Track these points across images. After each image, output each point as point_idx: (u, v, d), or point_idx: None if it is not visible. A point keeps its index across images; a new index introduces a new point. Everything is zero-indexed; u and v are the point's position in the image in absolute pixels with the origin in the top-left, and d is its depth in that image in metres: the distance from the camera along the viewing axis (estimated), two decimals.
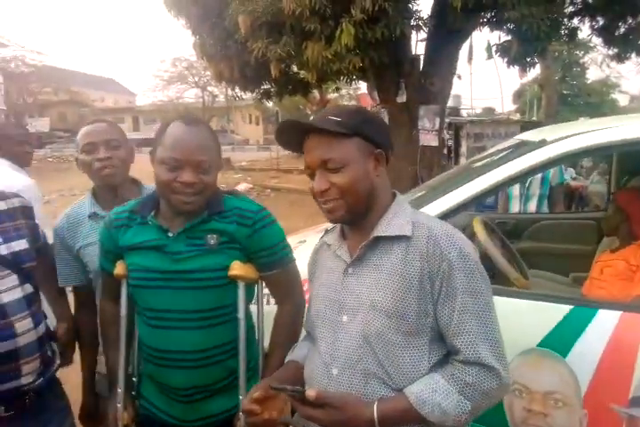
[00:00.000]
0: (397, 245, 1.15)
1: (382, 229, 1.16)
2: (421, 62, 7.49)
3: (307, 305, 1.36)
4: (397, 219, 1.17)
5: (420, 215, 1.22)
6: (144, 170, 1.87)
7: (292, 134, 1.19)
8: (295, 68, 7.78)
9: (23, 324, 1.34)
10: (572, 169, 7.94)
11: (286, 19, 6.03)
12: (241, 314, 1.41)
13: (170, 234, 1.37)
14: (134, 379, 1.54)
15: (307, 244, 2.64)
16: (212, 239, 1.37)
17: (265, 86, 8.75)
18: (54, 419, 1.47)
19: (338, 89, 12.70)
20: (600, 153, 2.61)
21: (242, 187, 12.71)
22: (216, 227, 1.38)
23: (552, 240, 3.09)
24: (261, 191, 12.88)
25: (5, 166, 2.49)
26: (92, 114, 42.46)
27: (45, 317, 1.50)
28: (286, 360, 1.34)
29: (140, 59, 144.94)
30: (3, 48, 26.30)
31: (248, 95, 9.79)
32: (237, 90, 9.01)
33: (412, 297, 1.11)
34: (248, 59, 6.95)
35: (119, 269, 1.45)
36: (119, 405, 1.46)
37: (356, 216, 1.18)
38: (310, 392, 1.04)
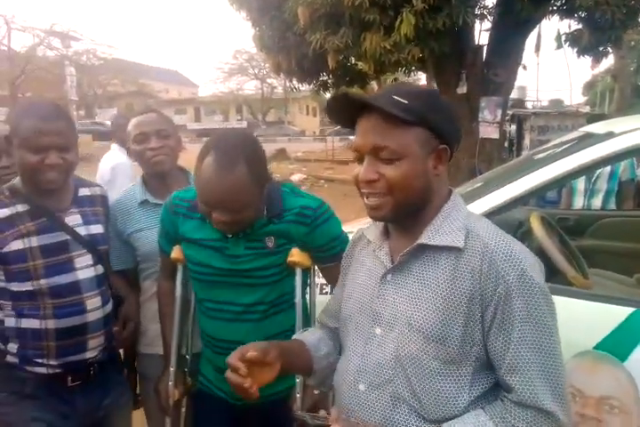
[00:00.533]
0: (446, 257, 0.98)
1: (429, 235, 1.00)
2: (484, 52, 7.25)
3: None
4: (449, 224, 1.00)
5: (476, 222, 1.03)
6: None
7: (346, 108, 1.00)
8: (353, 60, 7.73)
9: (93, 301, 1.46)
10: None
11: (345, 9, 5.99)
12: (298, 298, 1.45)
13: (229, 235, 1.39)
14: (187, 357, 1.62)
15: None
16: (270, 242, 1.40)
17: (322, 78, 8.76)
18: (115, 390, 1.58)
19: (396, 80, 12.51)
20: None
21: (296, 177, 12.81)
22: (275, 229, 1.40)
23: (617, 239, 2.93)
24: (315, 182, 12.93)
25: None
26: (157, 105, 44.03)
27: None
28: (293, 337, 1.26)
29: (202, 51, 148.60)
30: (75, 42, 27.64)
31: (305, 87, 9.82)
32: (295, 81, 9.06)
33: (457, 321, 0.95)
34: (306, 50, 6.97)
35: (176, 253, 1.50)
36: (171, 382, 1.54)
37: (402, 217, 1.02)
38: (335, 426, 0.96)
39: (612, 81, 21.88)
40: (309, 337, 1.23)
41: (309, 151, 19.84)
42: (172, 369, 1.54)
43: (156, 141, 1.71)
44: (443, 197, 1.04)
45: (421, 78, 18.93)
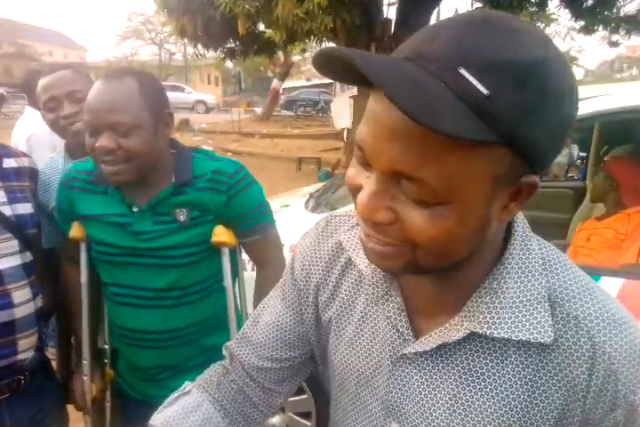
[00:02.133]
0: (517, 350, 0.58)
1: (485, 316, 0.56)
2: (393, 26, 7.34)
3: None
4: (517, 290, 0.57)
5: (560, 275, 0.58)
6: None
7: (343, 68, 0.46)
8: (263, 27, 7.49)
9: (21, 293, 1.21)
10: None
11: None
12: (227, 282, 1.29)
13: (134, 209, 1.22)
14: (106, 346, 1.44)
15: (290, 209, 2.57)
16: (182, 215, 1.21)
17: (229, 45, 8.40)
18: (49, 400, 1.36)
19: (304, 51, 12.36)
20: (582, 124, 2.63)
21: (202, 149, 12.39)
22: (186, 199, 1.21)
23: (527, 208, 3.13)
24: (222, 155, 12.60)
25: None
26: (41, 68, 40.02)
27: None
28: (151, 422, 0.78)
29: (91, 12, 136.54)
30: None
31: (210, 54, 9.36)
32: (200, 47, 8.60)
33: None
34: (213, 14, 6.62)
35: (75, 231, 1.30)
36: (86, 377, 1.37)
37: (429, 269, 0.55)
38: None
39: None
40: (183, 424, 0.74)
41: (214, 122, 19.19)
42: (84, 362, 1.37)
43: (69, 106, 1.49)
44: (500, 239, 0.59)
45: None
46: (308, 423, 2.08)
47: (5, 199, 1.22)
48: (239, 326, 1.35)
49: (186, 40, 8.77)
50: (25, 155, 1.36)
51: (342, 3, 5.87)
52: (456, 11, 10.74)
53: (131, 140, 1.11)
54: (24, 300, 1.22)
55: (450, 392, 0.61)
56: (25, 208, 1.26)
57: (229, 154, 12.77)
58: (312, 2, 5.61)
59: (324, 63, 0.47)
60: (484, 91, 0.41)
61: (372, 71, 0.41)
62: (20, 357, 1.24)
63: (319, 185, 3.28)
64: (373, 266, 0.63)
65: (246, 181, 1.26)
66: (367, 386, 0.67)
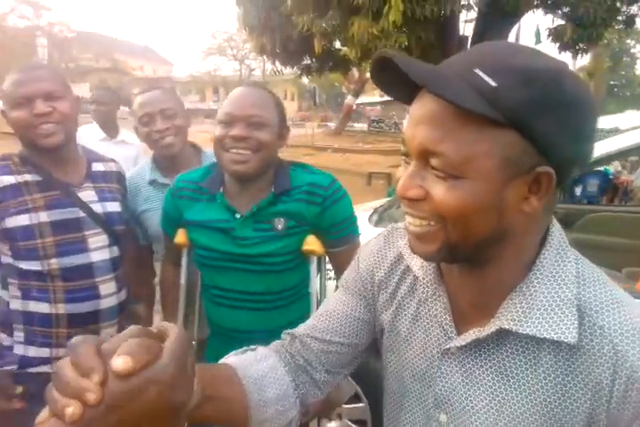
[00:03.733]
0: (548, 351, 0.62)
1: (517, 314, 0.62)
2: (469, 43, 7.28)
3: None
4: (548, 293, 0.61)
5: (589, 285, 0.62)
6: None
7: (395, 75, 0.57)
8: (338, 45, 7.67)
9: (107, 286, 1.35)
10: (616, 162, 7.69)
11: None
12: (313, 289, 1.38)
13: (237, 215, 1.31)
14: (194, 343, 1.55)
15: None
16: (280, 224, 1.31)
17: (306, 62, 8.67)
18: None
19: None
20: None
21: None
22: (284, 208, 1.31)
23: (603, 233, 2.99)
24: None
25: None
26: (131, 82, 42.83)
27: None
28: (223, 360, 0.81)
29: (179, 29, 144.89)
30: (47, 11, 26.62)
31: (287, 70, 9.69)
32: (278, 64, 8.94)
33: None
34: (291, 32, 6.89)
35: (180, 237, 1.42)
36: None
37: (460, 256, 0.63)
38: None
39: (587, 78, 22.33)
40: (251, 367, 0.76)
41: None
42: None
43: (161, 122, 1.61)
44: (533, 243, 0.63)
45: None
46: None
47: (96, 198, 1.36)
48: None
49: (265, 57, 9.16)
50: (112, 160, 1.52)
51: (417, 21, 5.92)
52: (537, 27, 10.49)
53: (262, 133, 1.23)
54: (109, 292, 1.35)
55: (488, 389, 0.66)
56: (113, 207, 1.40)
57: None
58: (387, 20, 5.71)
59: (378, 70, 0.60)
60: (493, 83, 0.53)
61: (412, 69, 0.54)
62: None
63: (386, 200, 3.33)
64: (425, 269, 0.72)
65: (339, 193, 1.34)
66: (421, 379, 0.73)
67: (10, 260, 1.29)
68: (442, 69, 0.57)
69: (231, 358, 0.78)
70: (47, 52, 25.34)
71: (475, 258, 0.63)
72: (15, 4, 25.14)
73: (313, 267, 1.38)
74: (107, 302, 1.34)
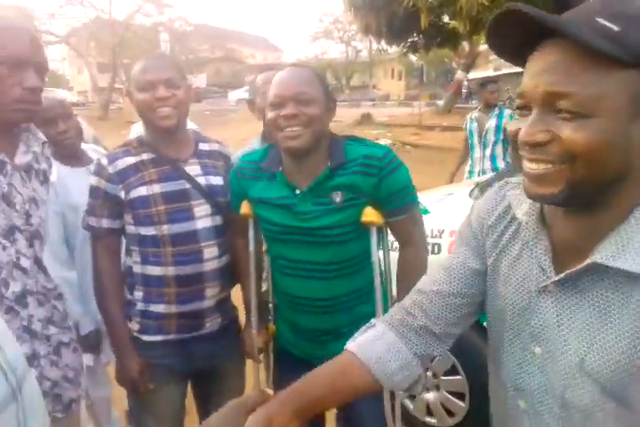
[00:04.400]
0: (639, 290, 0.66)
1: (612, 250, 0.66)
2: None
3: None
4: None
5: None
6: None
7: (515, 31, 0.65)
8: (446, 19, 7.44)
9: (210, 251, 1.49)
10: None
11: None
12: (375, 258, 1.43)
13: (297, 191, 1.38)
14: (270, 305, 1.66)
15: (454, 196, 2.63)
16: (338, 197, 1.36)
17: (412, 39, 8.52)
18: (227, 342, 1.63)
19: None
20: None
21: (381, 142, 12.69)
22: (341, 182, 1.36)
23: None
24: (401, 147, 12.72)
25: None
26: (245, 70, 44.68)
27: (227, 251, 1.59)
28: (347, 346, 0.94)
29: (289, 17, 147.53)
30: (169, 8, 28.51)
31: (394, 49, 9.57)
32: (383, 43, 8.88)
33: None
34: (397, 9, 6.79)
35: (245, 208, 1.50)
36: (254, 331, 1.59)
37: (578, 200, 0.67)
38: None
39: None
40: (372, 348, 0.89)
41: (395, 116, 19.45)
42: (253, 319, 1.60)
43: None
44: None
45: None
46: (462, 404, 2.14)
47: (200, 172, 1.52)
48: (384, 297, 1.50)
49: (371, 37, 9.13)
50: (217, 142, 1.67)
51: None
52: None
53: (310, 108, 1.31)
54: (212, 256, 1.51)
55: (580, 323, 0.71)
56: (216, 180, 1.54)
57: (408, 147, 12.92)
58: None
59: (495, 30, 0.67)
60: (615, 28, 0.59)
61: (546, 17, 0.60)
62: (206, 303, 1.54)
63: (489, 175, 3.26)
64: (529, 215, 0.78)
65: (395, 163, 1.38)
66: (520, 316, 0.79)
67: (132, 228, 1.48)
68: (568, 18, 0.63)
69: (356, 341, 0.93)
70: (169, 46, 27.22)
71: (591, 199, 0.67)
72: (141, 3, 27.22)
73: (373, 238, 1.42)
74: (209, 265, 1.50)
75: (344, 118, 17.93)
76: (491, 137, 4.28)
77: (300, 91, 1.32)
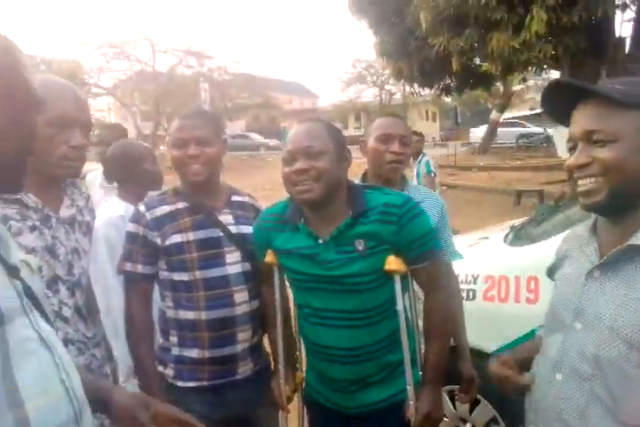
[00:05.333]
0: None
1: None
2: (627, 45, 6.63)
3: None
4: None
5: None
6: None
7: (561, 99, 1.01)
8: (478, 61, 7.51)
9: (241, 295, 1.54)
10: None
11: (470, 10, 5.85)
12: (399, 306, 1.42)
13: (320, 241, 1.41)
14: (297, 353, 1.66)
15: (489, 241, 2.55)
16: (360, 245, 1.38)
17: (444, 81, 8.60)
18: (263, 387, 1.61)
19: (524, 80, 11.86)
20: None
21: (415, 183, 12.63)
22: (363, 230, 1.38)
23: None
24: (436, 188, 12.67)
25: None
26: (281, 116, 46.07)
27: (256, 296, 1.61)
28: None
29: (323, 63, 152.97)
30: (209, 60, 29.93)
31: (426, 91, 9.68)
32: (416, 86, 8.99)
33: None
34: (428, 54, 6.92)
35: (269, 257, 1.53)
36: (282, 380, 1.58)
37: (615, 207, 0.97)
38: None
39: None
40: None
41: (430, 157, 19.49)
42: (280, 367, 1.59)
43: (399, 147, 1.73)
44: None
45: (552, 77, 17.75)
46: None
47: (232, 221, 1.59)
48: (411, 345, 1.47)
49: (403, 80, 9.28)
50: (248, 195, 1.74)
51: (564, 29, 5.57)
52: None
53: (320, 162, 1.34)
54: (243, 300, 1.54)
55: (614, 295, 0.95)
56: (247, 229, 1.59)
57: (444, 188, 12.82)
58: (529, 32, 5.46)
59: (552, 93, 1.03)
60: (621, 87, 0.95)
61: (581, 84, 0.97)
62: (238, 348, 1.54)
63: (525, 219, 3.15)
64: (584, 230, 1.09)
65: (414, 211, 1.40)
66: (567, 302, 1.05)
67: (166, 273, 1.53)
68: (593, 85, 0.98)
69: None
70: (209, 95, 28.41)
71: (627, 207, 0.96)
72: (183, 55, 28.73)
73: (397, 285, 1.42)
74: (241, 309, 1.53)
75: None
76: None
77: (307, 144, 1.36)
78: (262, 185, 14.29)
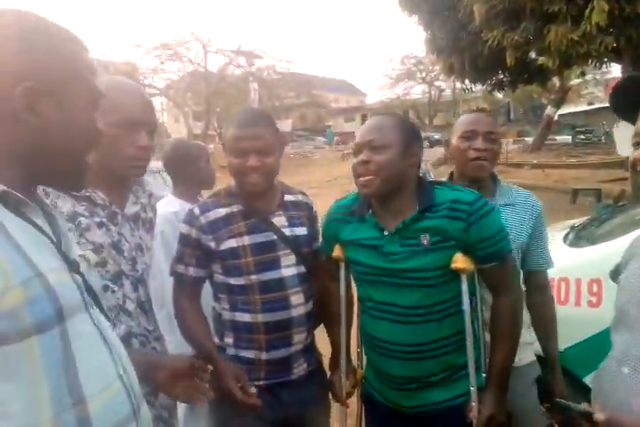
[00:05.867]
0: None
1: None
2: None
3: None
4: None
5: None
6: None
7: (631, 94, 0.98)
8: (533, 55, 7.25)
9: (296, 298, 1.52)
10: None
11: (526, 3, 5.66)
12: (465, 306, 1.38)
13: (385, 233, 1.40)
14: (358, 350, 1.65)
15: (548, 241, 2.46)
16: (425, 239, 1.36)
17: (497, 76, 8.38)
18: (316, 387, 1.61)
19: (582, 74, 11.36)
20: None
21: None
22: (428, 225, 1.36)
23: None
24: None
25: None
26: (327, 114, 46.16)
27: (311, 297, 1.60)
28: None
29: (370, 61, 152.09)
30: (259, 59, 30.35)
31: (478, 87, 9.45)
32: (467, 82, 8.80)
33: None
34: (481, 49, 6.75)
35: (337, 251, 1.54)
36: (342, 375, 1.59)
37: None
38: (600, 416, 0.95)
39: None
40: None
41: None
42: (342, 362, 1.60)
43: (482, 143, 1.62)
44: None
45: (613, 71, 16.95)
46: None
47: (286, 223, 1.57)
48: (475, 348, 1.43)
49: (454, 76, 9.09)
50: (301, 192, 1.72)
51: (627, 19, 5.31)
52: None
53: (381, 155, 1.35)
54: (298, 303, 1.53)
55: None
56: (300, 231, 1.58)
57: None
58: (589, 23, 5.23)
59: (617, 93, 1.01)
60: None
61: None
62: (293, 349, 1.54)
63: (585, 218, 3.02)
64: None
65: (485, 209, 1.35)
66: (635, 300, 1.03)
67: (221, 277, 1.53)
68: None
69: None
70: (257, 94, 28.77)
71: None
72: (233, 55, 29.25)
73: (464, 284, 1.38)
74: (297, 311, 1.52)
75: (426, 157, 17.82)
76: None
77: (370, 138, 1.37)
78: (309, 183, 14.38)
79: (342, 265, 1.57)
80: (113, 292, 1.28)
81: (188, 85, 28.58)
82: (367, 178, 1.36)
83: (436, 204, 1.37)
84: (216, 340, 1.58)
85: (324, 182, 14.78)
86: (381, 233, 1.41)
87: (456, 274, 1.38)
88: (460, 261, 1.36)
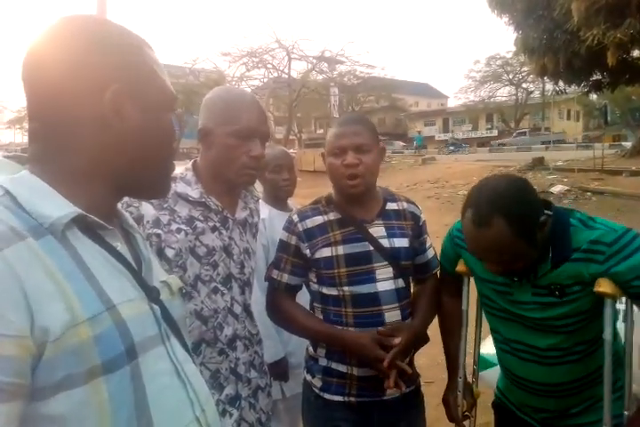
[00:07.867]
0: None
1: None
2: None
3: None
4: None
5: None
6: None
7: None
8: (636, 54, 6.75)
9: (392, 314, 1.43)
10: None
11: None
12: (607, 335, 1.23)
13: (515, 278, 1.30)
14: (474, 367, 1.57)
15: None
16: (558, 291, 1.24)
17: (595, 77, 7.87)
18: (413, 411, 1.54)
19: None
20: None
21: (557, 189, 11.69)
22: (562, 273, 1.23)
23: None
24: (580, 194, 11.60)
25: None
26: (406, 118, 45.63)
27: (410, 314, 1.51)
28: None
29: (451, 62, 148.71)
30: (341, 64, 30.59)
31: (571, 89, 8.94)
32: (561, 83, 8.34)
33: None
34: (577, 49, 6.38)
35: (461, 266, 1.46)
36: (459, 393, 1.50)
37: None
38: None
39: None
40: None
41: (572, 160, 17.95)
42: (459, 380, 1.51)
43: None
44: None
45: None
46: None
47: (384, 233, 1.48)
48: (620, 378, 1.30)
49: (546, 78, 8.66)
50: (407, 199, 1.62)
51: None
52: None
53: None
54: (394, 320, 1.43)
55: None
56: (400, 242, 1.49)
57: (588, 194, 11.74)
58: None
59: None
60: None
61: None
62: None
63: None
64: None
65: (630, 248, 1.18)
66: None
67: (315, 286, 1.49)
68: None
69: None
70: (338, 99, 28.98)
71: None
72: (316, 62, 29.69)
73: (607, 310, 1.22)
74: None
75: (514, 163, 17.09)
76: None
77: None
78: (403, 185, 14.22)
79: (466, 281, 1.49)
80: (223, 294, 1.31)
81: (272, 91, 29.34)
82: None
83: (573, 249, 1.22)
84: (310, 349, 1.54)
85: (403, 188, 14.57)
86: (511, 279, 1.29)
87: (600, 310, 1.23)
88: (603, 285, 1.20)
